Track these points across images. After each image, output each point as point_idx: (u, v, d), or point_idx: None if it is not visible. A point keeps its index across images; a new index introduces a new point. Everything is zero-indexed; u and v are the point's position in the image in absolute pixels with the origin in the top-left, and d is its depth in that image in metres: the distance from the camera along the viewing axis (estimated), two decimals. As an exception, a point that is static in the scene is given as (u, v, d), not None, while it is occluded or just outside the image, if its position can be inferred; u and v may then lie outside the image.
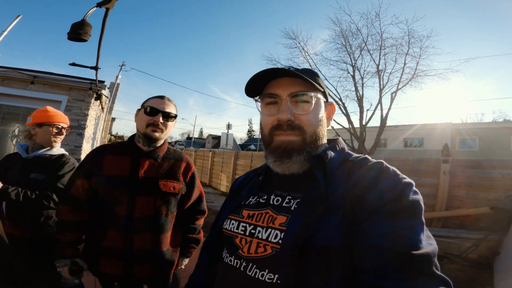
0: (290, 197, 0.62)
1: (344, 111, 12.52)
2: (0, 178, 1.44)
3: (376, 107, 11.94)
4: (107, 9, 1.45)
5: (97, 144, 6.18)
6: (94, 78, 4.03)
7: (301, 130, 0.63)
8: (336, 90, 12.77)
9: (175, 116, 1.26)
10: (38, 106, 3.90)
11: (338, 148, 0.68)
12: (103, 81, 4.25)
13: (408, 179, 0.55)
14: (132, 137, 1.28)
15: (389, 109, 11.72)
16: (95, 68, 2.68)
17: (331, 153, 0.65)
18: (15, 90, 3.76)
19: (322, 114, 0.68)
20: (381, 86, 11.98)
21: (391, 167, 0.58)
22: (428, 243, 0.48)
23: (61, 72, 4.08)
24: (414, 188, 0.54)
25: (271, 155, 0.65)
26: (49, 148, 1.63)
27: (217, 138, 36.10)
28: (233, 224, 0.66)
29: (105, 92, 4.56)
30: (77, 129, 3.98)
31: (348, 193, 0.55)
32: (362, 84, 12.27)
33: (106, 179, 1.15)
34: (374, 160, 0.62)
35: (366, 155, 0.65)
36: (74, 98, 4.04)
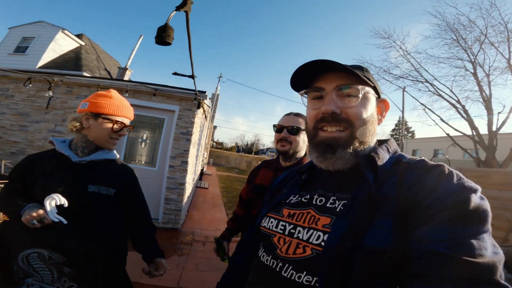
0: (334, 198, 0.59)
1: (464, 115, 9.95)
2: (33, 187, 1.02)
3: (512, 109, 8.95)
4: (186, 13, 1.51)
5: (202, 149, 6.96)
6: (200, 89, 4.54)
7: (348, 123, 0.60)
8: (451, 90, 10.39)
9: (299, 129, 1.32)
10: (159, 115, 4.65)
11: (390, 149, 0.65)
12: (204, 91, 4.71)
13: (473, 184, 0.49)
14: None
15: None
16: (192, 76, 2.94)
17: (382, 154, 0.61)
18: (142, 101, 4.60)
19: (372, 109, 0.64)
20: (517, 83, 8.95)
21: (454, 170, 0.52)
22: (494, 252, 0.43)
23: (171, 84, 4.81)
24: (480, 193, 0.49)
25: (314, 150, 0.64)
26: (107, 151, 1.16)
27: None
28: (272, 222, 0.64)
29: (207, 101, 5.05)
30: (186, 135, 4.51)
31: (402, 196, 0.51)
32: (489, 82, 9.62)
33: (253, 187, 1.45)
34: (433, 163, 0.56)
35: (423, 157, 0.59)
36: (184, 108, 4.60)
